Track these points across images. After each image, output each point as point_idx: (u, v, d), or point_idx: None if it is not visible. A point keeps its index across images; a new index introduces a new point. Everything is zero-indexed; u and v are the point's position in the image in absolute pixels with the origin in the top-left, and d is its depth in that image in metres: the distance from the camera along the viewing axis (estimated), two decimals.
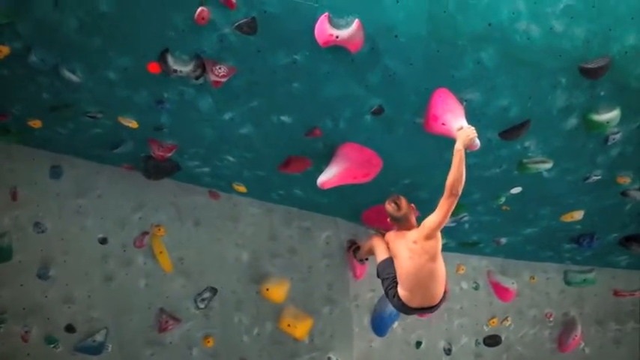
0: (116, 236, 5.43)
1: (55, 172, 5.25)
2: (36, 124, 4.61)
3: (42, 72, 3.94)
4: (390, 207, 4.33)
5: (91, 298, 5.39)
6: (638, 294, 6.64)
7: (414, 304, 4.23)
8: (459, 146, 3.63)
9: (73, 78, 3.94)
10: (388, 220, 4.44)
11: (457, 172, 3.69)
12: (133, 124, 4.40)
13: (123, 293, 5.46)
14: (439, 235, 4.11)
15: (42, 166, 5.23)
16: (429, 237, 4.05)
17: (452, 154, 3.73)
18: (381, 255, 4.67)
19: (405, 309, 4.35)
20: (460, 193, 3.79)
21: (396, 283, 4.36)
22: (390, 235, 4.52)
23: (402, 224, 4.37)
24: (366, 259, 5.62)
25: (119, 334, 5.47)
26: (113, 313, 5.45)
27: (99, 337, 5.38)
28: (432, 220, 4.00)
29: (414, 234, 4.18)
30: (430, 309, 4.32)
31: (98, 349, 5.38)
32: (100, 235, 5.40)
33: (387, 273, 4.49)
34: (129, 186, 5.41)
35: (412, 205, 4.40)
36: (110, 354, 5.46)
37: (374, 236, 5.00)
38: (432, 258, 4.11)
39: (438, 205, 3.92)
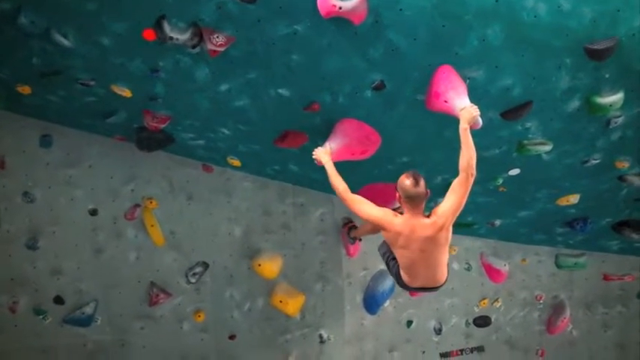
0: (107, 208, 5.35)
1: (45, 141, 5.14)
2: (25, 90, 4.48)
3: (32, 35, 3.80)
4: (407, 181, 3.55)
5: (81, 270, 5.34)
6: (627, 278, 6.69)
7: (415, 285, 4.02)
8: (464, 124, 3.54)
9: (65, 43, 3.80)
10: (398, 197, 3.66)
11: (471, 149, 3.52)
12: (126, 93, 4.28)
13: (113, 266, 5.41)
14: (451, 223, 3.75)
15: (31, 135, 5.12)
16: (445, 228, 3.67)
17: (452, 133, 3.65)
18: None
19: (405, 287, 4.11)
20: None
21: (395, 257, 4.06)
22: (391, 217, 3.74)
23: (414, 205, 3.60)
24: (359, 239, 5.57)
25: (109, 307, 5.43)
26: (103, 286, 5.40)
27: (88, 310, 5.34)
28: (448, 207, 3.63)
29: (427, 228, 3.64)
30: (432, 289, 4.11)
31: (87, 321, 5.34)
32: (91, 207, 5.32)
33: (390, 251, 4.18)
34: (121, 157, 5.32)
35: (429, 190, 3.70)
36: (99, 326, 5.43)
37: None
38: (443, 247, 3.78)
39: (453, 190, 3.62)
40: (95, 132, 5.20)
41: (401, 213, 3.74)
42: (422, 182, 3.56)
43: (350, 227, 5.55)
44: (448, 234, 3.73)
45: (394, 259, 4.02)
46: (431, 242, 3.69)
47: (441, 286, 4.05)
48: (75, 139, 5.22)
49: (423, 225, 3.64)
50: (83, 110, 4.75)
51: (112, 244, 5.40)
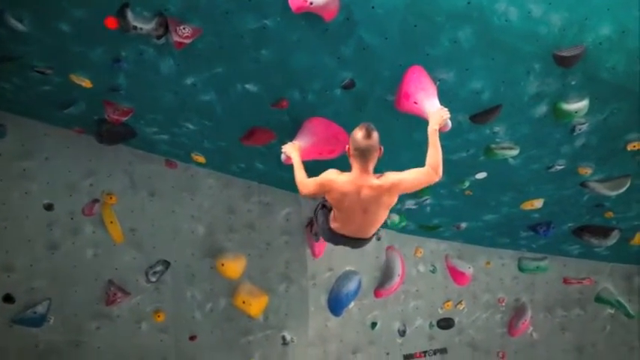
0: (63, 203, 5.13)
1: None
2: None
3: None
4: (359, 133, 3.36)
5: (33, 268, 5.10)
6: (585, 282, 6.85)
7: (343, 232, 3.82)
8: (434, 126, 3.50)
9: (20, 27, 3.61)
10: (348, 149, 3.47)
11: (439, 152, 3.47)
12: (86, 83, 4.10)
13: (68, 263, 5.19)
14: None
15: None
16: (391, 193, 3.53)
17: (421, 135, 3.61)
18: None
19: (331, 236, 3.92)
20: None
21: (324, 205, 3.98)
22: (335, 175, 3.58)
23: (364, 161, 3.41)
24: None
25: (63, 306, 5.21)
26: (57, 284, 5.17)
27: (40, 309, 5.10)
28: (401, 178, 3.50)
29: (374, 189, 3.49)
30: (357, 240, 3.89)
31: (39, 321, 5.11)
32: (46, 201, 5.09)
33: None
34: (79, 150, 5.10)
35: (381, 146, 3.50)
36: (52, 326, 5.20)
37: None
38: (385, 209, 3.65)
39: (413, 172, 3.50)
40: (52, 123, 4.97)
41: None
42: (375, 135, 3.37)
43: (312, 225, 5.43)
44: (393, 200, 3.60)
45: (324, 206, 3.95)
46: (375, 203, 3.57)
47: (369, 239, 3.92)
48: (31, 129, 4.98)
49: (371, 185, 3.49)
50: (40, 100, 4.53)
51: (68, 240, 5.18)
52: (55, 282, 5.17)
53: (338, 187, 3.54)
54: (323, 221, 3.94)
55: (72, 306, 5.25)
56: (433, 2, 3.42)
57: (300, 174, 3.79)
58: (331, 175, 3.59)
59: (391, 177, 3.51)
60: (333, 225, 3.83)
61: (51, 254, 5.14)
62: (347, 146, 3.47)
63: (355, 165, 3.48)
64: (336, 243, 4.01)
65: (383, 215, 3.69)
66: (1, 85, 4.37)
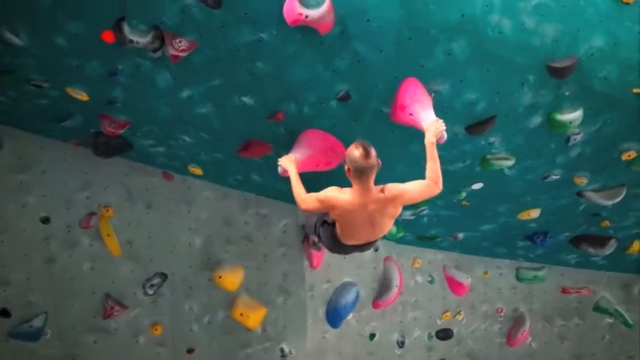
0: (60, 216, 5.12)
1: None
2: None
3: None
4: (356, 152, 3.35)
5: (30, 281, 5.08)
6: (583, 291, 6.84)
7: (352, 243, 3.88)
8: (431, 138, 3.51)
9: (16, 41, 3.62)
10: (347, 169, 3.46)
11: (437, 164, 3.50)
12: (82, 96, 4.11)
13: (65, 277, 5.17)
14: None
15: None
16: (394, 204, 3.58)
17: (417, 147, 3.64)
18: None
19: (341, 248, 3.97)
20: None
21: (325, 222, 3.95)
22: (338, 194, 3.58)
23: (364, 179, 3.43)
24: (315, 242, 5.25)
25: (59, 320, 5.18)
26: (54, 298, 5.15)
27: (37, 323, 5.08)
28: (403, 189, 3.54)
29: (379, 202, 3.53)
30: (367, 244, 3.94)
31: (35, 335, 5.08)
32: (43, 214, 5.08)
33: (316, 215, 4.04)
34: (76, 163, 5.09)
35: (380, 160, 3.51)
36: (49, 340, 5.18)
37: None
38: (391, 218, 3.70)
39: (418, 185, 3.54)
40: (49, 136, 4.97)
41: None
42: (373, 153, 3.38)
43: (308, 239, 5.37)
44: (397, 210, 3.65)
45: (325, 222, 3.93)
46: (381, 215, 3.62)
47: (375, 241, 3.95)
48: (27, 142, 4.97)
49: (376, 200, 3.52)
50: (36, 113, 4.54)
51: (65, 253, 5.16)
52: (51, 295, 5.15)
53: (342, 206, 3.57)
54: (329, 237, 3.93)
55: (69, 320, 5.23)
56: (427, 15, 3.45)
57: (298, 188, 3.78)
58: (333, 192, 3.60)
59: (394, 188, 3.55)
60: (343, 239, 3.85)
61: (47, 268, 5.12)
62: (345, 166, 3.47)
63: (356, 182, 3.50)
64: (345, 253, 4.06)
65: (389, 224, 3.75)
66: None
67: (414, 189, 3.56)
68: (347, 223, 3.70)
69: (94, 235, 5.22)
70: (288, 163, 3.94)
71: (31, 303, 5.10)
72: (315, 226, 4.09)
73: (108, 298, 5.28)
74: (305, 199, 3.71)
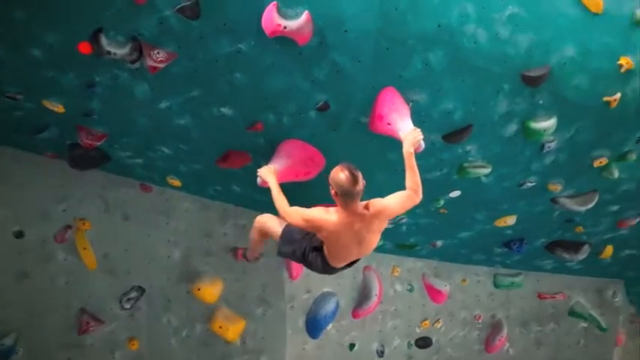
0: (35, 229, 5.02)
1: None
2: None
3: None
4: (344, 177, 3.29)
5: (1, 297, 4.94)
6: (559, 296, 6.96)
7: (343, 264, 3.84)
8: (409, 148, 3.55)
9: None
10: (333, 193, 3.40)
11: (416, 173, 3.52)
12: (58, 108, 4.05)
13: (39, 292, 5.06)
14: None
15: None
16: (380, 219, 3.59)
17: (395, 156, 3.68)
18: (278, 225, 4.02)
19: (332, 270, 3.89)
20: None
21: (315, 248, 3.84)
22: (325, 215, 3.54)
23: (350, 201, 3.40)
24: (261, 253, 5.17)
25: (32, 337, 5.05)
26: (27, 314, 5.02)
27: (8, 341, 4.94)
28: (387, 205, 3.55)
29: (364, 219, 3.52)
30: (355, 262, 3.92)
31: (6, 354, 4.94)
32: (16, 228, 4.96)
33: (297, 239, 3.90)
34: (52, 175, 5.00)
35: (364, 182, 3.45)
36: (19, 358, 5.03)
37: (259, 218, 4.23)
38: (377, 234, 3.69)
39: (396, 196, 3.57)
40: (24, 148, 4.87)
41: None
42: (360, 178, 3.33)
43: (244, 254, 5.32)
44: (383, 225, 3.65)
45: (314, 249, 3.83)
46: (368, 232, 3.59)
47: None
48: (1, 155, 4.87)
49: (362, 218, 3.50)
50: (10, 125, 4.45)
51: (39, 268, 5.05)
52: (24, 312, 5.03)
53: (328, 228, 3.52)
54: (320, 262, 3.83)
55: (42, 336, 5.10)
56: (404, 26, 3.51)
57: (280, 200, 3.73)
58: (319, 214, 3.55)
59: (377, 204, 3.54)
60: (333, 262, 3.78)
61: (20, 283, 4.99)
62: (331, 189, 3.41)
63: (342, 204, 3.45)
64: (334, 273, 3.97)
65: (376, 239, 3.72)
66: None
67: (396, 202, 3.58)
68: (334, 244, 3.65)
69: (69, 249, 5.12)
70: (268, 174, 3.92)
71: (2, 321, 4.96)
72: (304, 252, 3.89)
73: (83, 313, 5.17)
74: (289, 212, 3.63)
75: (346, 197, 3.38)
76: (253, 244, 4.66)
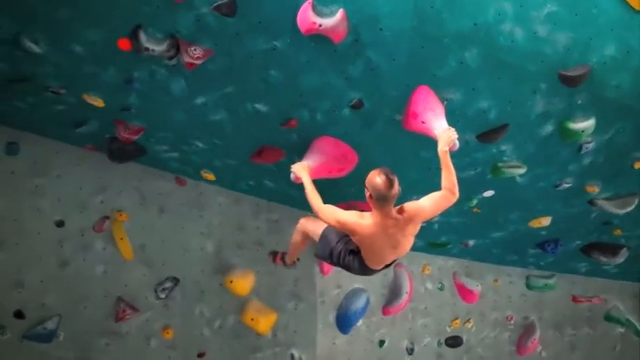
0: (74, 220, 5.17)
1: (12, 149, 4.95)
2: None
3: (0, 40, 3.67)
4: (380, 181, 3.33)
5: (44, 284, 5.12)
6: (594, 300, 6.80)
7: (382, 266, 3.89)
8: (443, 147, 3.52)
9: (35, 49, 3.68)
10: (368, 195, 3.46)
11: (452, 172, 3.50)
12: (98, 102, 4.17)
13: (78, 280, 5.21)
14: None
15: None
16: (414, 223, 3.61)
17: (428, 154, 3.67)
18: (319, 228, 4.09)
19: (370, 271, 3.95)
20: None
21: (352, 251, 3.90)
22: (359, 219, 3.59)
23: (385, 204, 3.44)
24: (298, 259, 5.24)
25: (72, 323, 5.22)
26: (67, 300, 5.19)
27: (50, 325, 5.12)
28: (420, 208, 3.57)
29: (398, 224, 3.56)
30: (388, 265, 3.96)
31: (48, 337, 5.12)
32: (57, 218, 5.13)
33: (334, 243, 3.97)
34: (91, 168, 5.15)
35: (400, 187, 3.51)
36: (61, 342, 5.20)
37: (301, 220, 4.37)
38: (411, 237, 3.73)
39: (431, 198, 3.57)
40: (65, 141, 5.03)
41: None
42: (396, 183, 3.37)
43: (282, 257, 5.31)
44: (417, 228, 3.67)
45: (351, 252, 3.87)
46: (402, 236, 3.63)
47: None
48: (43, 147, 5.04)
49: (396, 223, 3.54)
50: (53, 118, 4.61)
51: (79, 257, 5.21)
52: (65, 298, 5.19)
53: (363, 232, 3.57)
54: (358, 265, 3.88)
55: (81, 322, 5.26)
56: (440, 24, 3.47)
57: (314, 198, 3.76)
58: (354, 218, 3.59)
59: (412, 208, 3.55)
60: (370, 265, 3.82)
61: (61, 271, 5.17)
62: (366, 192, 3.45)
63: (377, 208, 3.49)
64: (373, 274, 4.03)
65: (411, 242, 3.74)
66: (16, 104, 4.46)
67: (430, 204, 3.58)
68: (369, 248, 3.69)
69: (107, 239, 5.27)
70: (302, 171, 3.95)
71: (44, 305, 5.14)
72: (340, 255, 3.94)
73: (120, 301, 5.32)
74: (323, 211, 3.67)
75: (381, 201, 3.42)
76: (293, 248, 4.76)
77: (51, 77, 4.02)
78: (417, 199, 3.72)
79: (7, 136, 4.94)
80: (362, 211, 3.78)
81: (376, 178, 3.36)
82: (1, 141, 4.93)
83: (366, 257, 3.80)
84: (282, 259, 5.27)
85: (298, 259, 5.23)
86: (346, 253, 3.89)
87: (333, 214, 3.62)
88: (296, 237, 4.50)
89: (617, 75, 3.83)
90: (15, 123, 4.86)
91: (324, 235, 4.02)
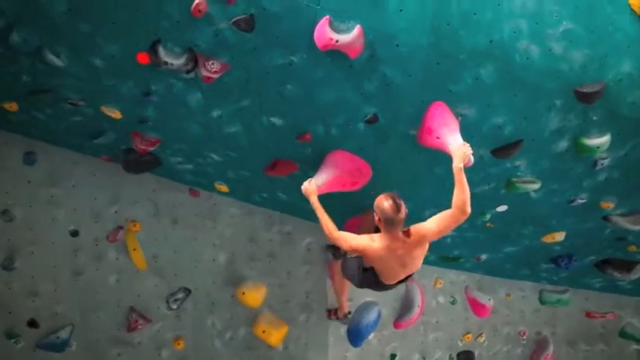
0: (89, 229, 5.24)
1: (29, 159, 5.03)
2: (12, 107, 4.41)
3: (23, 53, 3.75)
4: (387, 205, 3.52)
5: (58, 293, 5.18)
6: (609, 316, 6.72)
7: (395, 282, 4.12)
8: (458, 164, 3.51)
9: (57, 62, 3.76)
10: (377, 219, 3.64)
11: (466, 189, 3.50)
12: (116, 114, 4.23)
13: (92, 289, 5.27)
14: None
15: (15, 152, 5.02)
16: (421, 245, 3.78)
17: (442, 170, 3.68)
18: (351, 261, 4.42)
19: (381, 287, 4.21)
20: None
21: (365, 269, 4.14)
22: (370, 242, 3.77)
23: (392, 228, 3.62)
24: (350, 312, 5.62)
25: (85, 332, 5.26)
26: (80, 310, 5.24)
27: (63, 334, 5.17)
28: (427, 230, 3.67)
29: (406, 247, 3.72)
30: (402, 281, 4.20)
31: (61, 346, 5.17)
32: (72, 227, 5.20)
33: (353, 265, 4.30)
34: (106, 178, 5.22)
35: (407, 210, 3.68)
36: (73, 352, 5.25)
37: (330, 266, 4.87)
38: (420, 258, 3.93)
39: (440, 218, 3.63)
40: (81, 151, 5.11)
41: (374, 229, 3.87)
42: (403, 208, 3.57)
43: (335, 312, 5.64)
44: (425, 249, 3.87)
45: (366, 269, 4.12)
46: (410, 257, 3.83)
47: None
48: (59, 157, 5.12)
49: (403, 245, 3.72)
50: (70, 129, 4.67)
51: (92, 266, 5.26)
52: (78, 307, 5.25)
53: (373, 253, 3.79)
54: (373, 281, 4.14)
55: (94, 332, 5.31)
56: (456, 41, 3.50)
57: (327, 224, 3.91)
58: (365, 241, 3.80)
59: (419, 231, 3.70)
60: (384, 281, 4.06)
61: (75, 280, 5.22)
62: (375, 215, 3.65)
63: (385, 230, 3.69)
64: (389, 289, 4.32)
65: (420, 261, 3.96)
66: (35, 114, 4.53)
67: (437, 224, 3.66)
68: (380, 267, 3.93)
69: (120, 249, 5.32)
70: (311, 195, 4.00)
71: (58, 314, 5.19)
72: (358, 274, 4.26)
73: (132, 311, 5.35)
74: (337, 238, 3.87)
75: (388, 224, 3.63)
76: (340, 295, 5.30)
77: (71, 89, 4.09)
78: (431, 214, 3.73)
79: (25, 146, 5.03)
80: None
81: (384, 203, 3.57)
82: (18, 151, 5.02)
83: (379, 274, 4.02)
84: (337, 314, 5.58)
85: (350, 312, 5.57)
86: (363, 270, 4.13)
87: (348, 241, 3.84)
88: (336, 280, 5.01)
89: (633, 92, 3.82)
90: (33, 133, 4.93)
91: (345, 261, 4.43)
